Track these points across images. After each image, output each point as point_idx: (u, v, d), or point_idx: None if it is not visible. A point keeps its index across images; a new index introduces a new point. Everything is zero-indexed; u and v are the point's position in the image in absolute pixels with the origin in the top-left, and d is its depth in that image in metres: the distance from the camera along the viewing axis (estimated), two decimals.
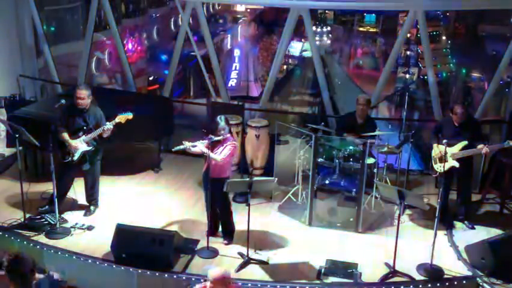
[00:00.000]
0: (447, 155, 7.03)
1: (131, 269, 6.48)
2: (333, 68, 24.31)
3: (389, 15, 24.51)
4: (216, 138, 6.67)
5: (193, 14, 10.79)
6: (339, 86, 22.09)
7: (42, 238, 7.09)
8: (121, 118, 7.24)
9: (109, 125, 7.20)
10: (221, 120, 6.75)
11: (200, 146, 6.73)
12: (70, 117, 7.32)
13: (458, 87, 22.16)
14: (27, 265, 4.64)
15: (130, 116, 7.27)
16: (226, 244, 7.08)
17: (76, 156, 7.30)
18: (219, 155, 6.71)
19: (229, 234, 7.17)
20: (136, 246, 6.50)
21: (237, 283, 5.44)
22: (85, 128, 7.30)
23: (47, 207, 7.59)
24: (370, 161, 7.79)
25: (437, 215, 6.45)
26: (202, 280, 5.45)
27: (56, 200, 7.10)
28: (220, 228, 7.28)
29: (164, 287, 6.41)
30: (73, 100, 7.30)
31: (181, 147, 6.78)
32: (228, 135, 6.80)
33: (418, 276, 6.48)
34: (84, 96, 7.24)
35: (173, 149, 6.98)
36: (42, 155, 8.67)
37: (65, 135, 7.26)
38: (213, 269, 5.11)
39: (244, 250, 6.81)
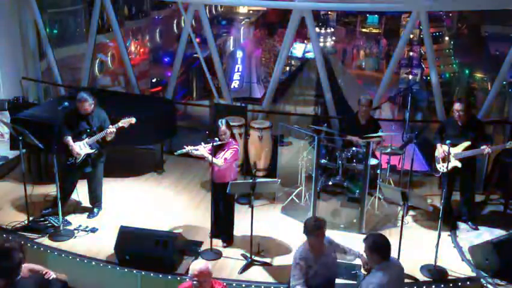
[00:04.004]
0: (450, 155, 7.01)
1: (134, 271, 6.49)
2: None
3: (391, 16, 24.52)
4: (218, 143, 6.66)
5: (196, 16, 10.80)
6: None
7: (46, 240, 7.10)
8: (124, 122, 7.26)
9: (112, 128, 7.22)
10: (222, 124, 6.72)
11: (202, 150, 6.71)
12: (74, 120, 7.34)
13: (461, 88, 22.14)
14: (14, 259, 4.42)
15: (133, 120, 7.29)
16: (224, 247, 7.06)
17: (80, 159, 7.32)
18: (220, 160, 6.70)
19: (228, 237, 7.16)
20: (140, 248, 6.50)
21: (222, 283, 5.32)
22: (88, 130, 7.32)
23: (50, 209, 7.60)
24: (373, 162, 7.79)
25: (440, 215, 6.44)
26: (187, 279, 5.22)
27: (59, 202, 7.11)
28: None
29: None
30: (77, 106, 7.31)
31: (184, 151, 6.74)
32: (230, 139, 6.78)
33: (422, 277, 6.47)
34: (89, 106, 7.29)
35: (175, 153, 6.96)
36: (45, 158, 8.69)
37: (69, 140, 7.27)
38: (196, 262, 4.98)
39: (247, 252, 6.82)
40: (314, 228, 5.18)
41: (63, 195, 7.32)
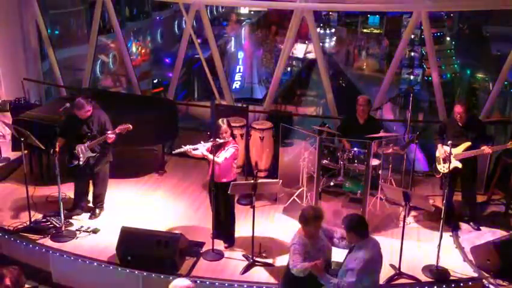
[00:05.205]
0: (451, 155, 7.00)
1: (136, 272, 6.50)
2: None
3: (393, 17, 24.47)
4: (218, 141, 6.66)
5: (197, 17, 10.80)
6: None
7: (47, 241, 7.11)
8: (121, 129, 7.26)
9: (110, 134, 7.23)
10: (223, 123, 6.71)
11: (201, 149, 6.71)
12: (74, 123, 7.36)
13: (463, 88, 22.10)
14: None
15: (129, 127, 7.29)
16: (226, 248, 7.07)
17: (82, 161, 7.33)
18: (220, 158, 6.70)
19: (229, 238, 7.16)
20: (141, 249, 6.51)
21: None
22: (89, 134, 7.33)
23: (65, 211, 7.48)
24: (375, 162, 7.79)
25: (442, 216, 6.43)
26: None
27: (61, 203, 7.11)
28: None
29: None
30: (77, 112, 7.32)
31: (182, 150, 6.69)
32: (230, 138, 6.78)
33: (424, 278, 6.47)
34: (85, 112, 7.30)
35: (173, 152, 6.91)
36: (47, 159, 8.70)
37: (60, 142, 7.27)
38: (178, 281, 4.51)
39: (249, 252, 6.81)
40: (314, 219, 5.23)
41: (79, 196, 7.68)
